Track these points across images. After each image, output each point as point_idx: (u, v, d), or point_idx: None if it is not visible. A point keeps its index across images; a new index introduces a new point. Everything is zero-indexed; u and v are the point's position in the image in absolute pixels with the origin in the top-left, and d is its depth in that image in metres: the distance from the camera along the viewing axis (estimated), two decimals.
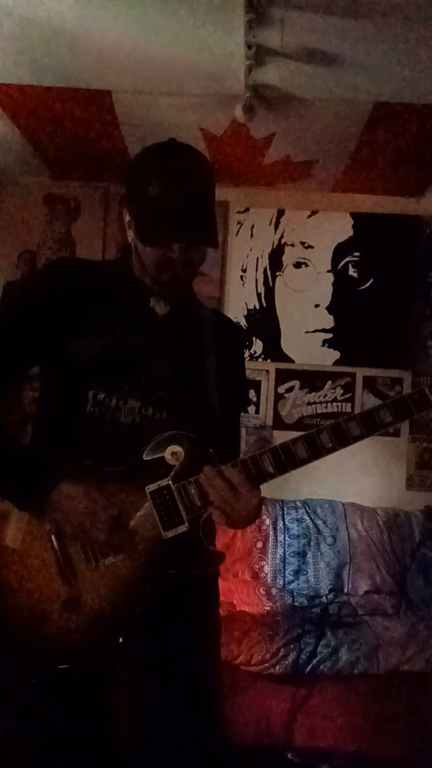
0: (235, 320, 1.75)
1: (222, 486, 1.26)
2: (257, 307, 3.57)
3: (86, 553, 1.29)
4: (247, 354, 3.50)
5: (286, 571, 3.11)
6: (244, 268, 3.57)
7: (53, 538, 1.29)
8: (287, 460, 1.29)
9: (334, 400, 3.54)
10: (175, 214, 1.28)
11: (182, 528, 1.29)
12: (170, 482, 1.29)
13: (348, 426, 1.30)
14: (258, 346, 3.55)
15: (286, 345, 3.55)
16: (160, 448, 1.31)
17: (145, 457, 1.31)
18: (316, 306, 3.56)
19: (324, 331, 3.55)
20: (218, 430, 1.40)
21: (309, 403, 3.55)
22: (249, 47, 2.12)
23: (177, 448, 1.30)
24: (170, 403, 1.37)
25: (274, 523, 3.19)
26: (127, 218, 1.39)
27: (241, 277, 3.57)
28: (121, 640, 1.28)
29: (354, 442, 1.31)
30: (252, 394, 3.54)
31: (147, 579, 1.29)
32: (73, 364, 1.34)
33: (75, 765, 1.38)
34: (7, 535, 1.31)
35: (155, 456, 1.31)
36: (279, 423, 3.53)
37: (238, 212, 3.54)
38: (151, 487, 1.29)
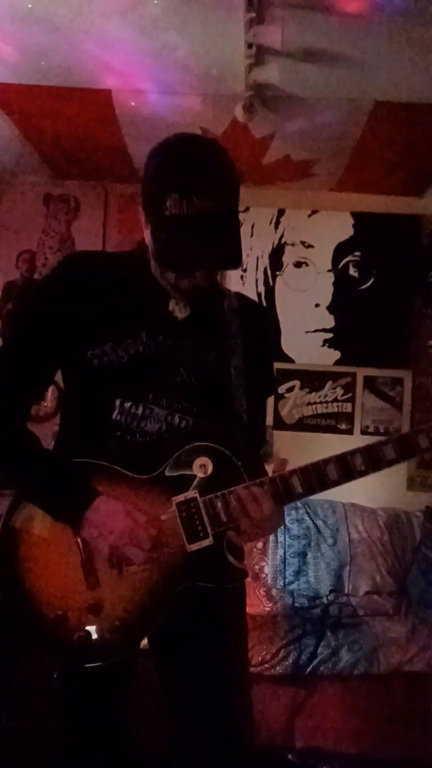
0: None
1: (252, 507, 1.24)
2: None
3: (111, 561, 1.28)
4: None
5: (287, 572, 3.11)
6: (244, 267, 3.56)
7: (79, 542, 1.27)
8: (317, 481, 1.27)
9: (335, 400, 3.54)
10: (195, 238, 1.20)
11: (206, 542, 1.26)
12: (197, 494, 1.27)
13: (383, 449, 1.28)
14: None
15: (287, 345, 3.54)
16: (188, 459, 1.29)
17: (173, 467, 1.29)
18: (317, 306, 3.55)
19: (324, 330, 3.54)
20: (244, 429, 1.38)
21: (309, 403, 3.54)
22: (249, 47, 2.12)
23: (205, 460, 1.28)
24: (195, 410, 1.34)
25: None
26: (143, 218, 1.30)
27: (242, 276, 3.56)
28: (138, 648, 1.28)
29: (388, 467, 1.29)
30: None
31: (169, 590, 1.28)
32: (95, 372, 1.31)
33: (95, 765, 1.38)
34: (35, 526, 1.31)
35: (183, 466, 1.29)
36: (279, 423, 3.52)
37: (239, 211, 3.53)
38: (178, 498, 1.27)
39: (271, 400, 3.52)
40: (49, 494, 1.30)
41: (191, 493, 1.27)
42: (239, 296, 1.50)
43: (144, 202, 1.29)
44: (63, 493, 1.29)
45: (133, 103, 2.65)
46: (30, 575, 1.29)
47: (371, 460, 1.28)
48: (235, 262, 1.26)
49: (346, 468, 1.27)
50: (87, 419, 1.35)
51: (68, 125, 2.88)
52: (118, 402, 1.30)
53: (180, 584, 1.28)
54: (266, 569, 3.11)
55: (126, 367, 1.30)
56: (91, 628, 1.27)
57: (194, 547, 1.26)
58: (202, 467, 1.28)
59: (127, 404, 1.30)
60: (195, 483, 1.28)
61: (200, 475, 1.28)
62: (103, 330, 1.31)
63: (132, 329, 1.32)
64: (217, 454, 1.29)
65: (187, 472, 1.29)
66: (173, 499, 1.27)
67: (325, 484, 1.27)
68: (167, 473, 1.29)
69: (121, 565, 1.27)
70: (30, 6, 2.03)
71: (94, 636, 1.26)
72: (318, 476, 1.27)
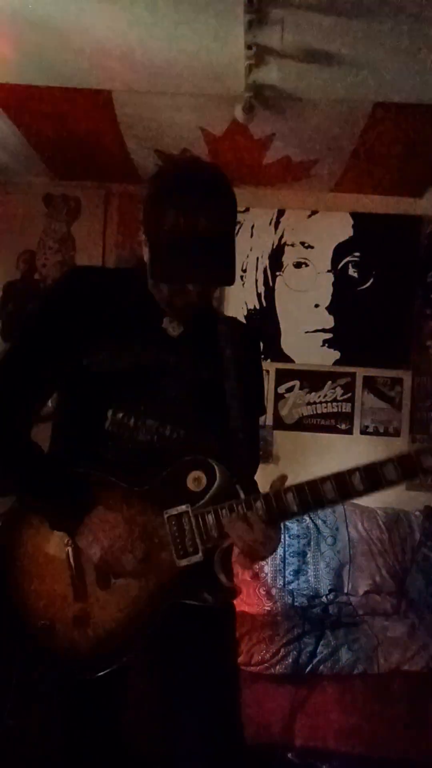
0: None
1: (241, 526, 1.23)
2: (257, 307, 3.57)
3: (99, 572, 1.27)
4: None
5: (286, 571, 3.11)
6: (244, 268, 3.57)
7: (69, 552, 1.27)
8: (313, 500, 1.24)
9: (334, 400, 3.54)
10: (191, 253, 1.23)
11: (196, 558, 1.26)
12: (189, 509, 1.26)
13: (383, 470, 1.25)
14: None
15: (286, 345, 3.55)
16: (183, 472, 1.29)
17: (166, 480, 1.29)
18: (316, 306, 3.56)
19: (324, 331, 3.55)
20: (238, 446, 1.38)
21: (309, 403, 3.54)
22: (249, 47, 2.12)
23: (199, 474, 1.28)
24: (187, 422, 1.35)
25: None
26: (143, 237, 1.34)
27: (241, 277, 3.57)
28: (125, 659, 1.27)
29: (388, 487, 1.26)
30: None
31: (156, 604, 1.27)
32: (90, 381, 1.33)
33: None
34: (25, 536, 1.31)
35: (177, 479, 1.29)
36: (279, 423, 3.53)
37: (238, 212, 3.50)
38: (170, 511, 1.27)
39: (271, 400, 3.53)
40: (49, 500, 1.30)
41: (183, 507, 1.26)
42: (232, 319, 1.55)
43: (144, 220, 1.33)
44: (61, 499, 1.28)
45: (133, 104, 2.66)
46: (18, 584, 1.29)
47: (370, 480, 1.25)
48: (228, 279, 1.27)
49: (343, 487, 1.25)
50: (80, 428, 1.36)
51: (69, 125, 2.89)
52: (110, 413, 1.32)
53: (167, 601, 1.27)
54: (266, 569, 3.11)
55: (120, 377, 1.32)
56: (77, 640, 1.26)
57: (184, 563, 1.25)
58: (195, 481, 1.28)
59: (120, 415, 1.32)
60: (187, 496, 1.27)
61: (194, 489, 1.27)
62: (100, 340, 1.34)
63: (127, 342, 1.35)
64: (212, 469, 1.28)
65: (181, 485, 1.28)
66: (165, 512, 1.26)
67: (322, 504, 1.25)
68: (161, 485, 1.29)
69: (110, 576, 1.26)
70: (31, 6, 2.03)
71: (80, 647, 1.26)
72: (314, 495, 1.24)
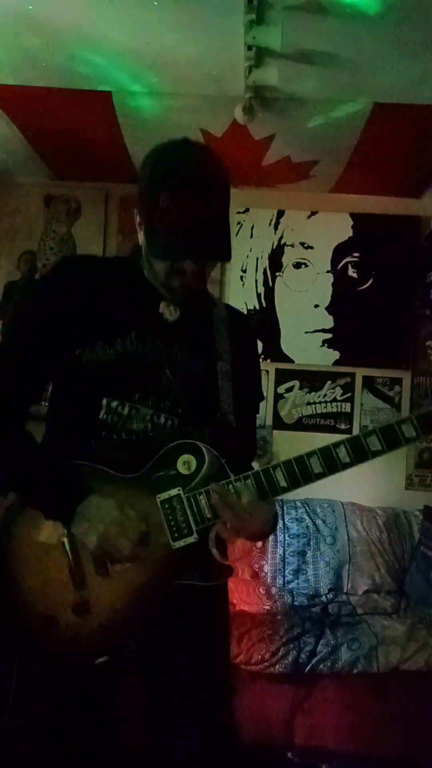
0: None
1: (233, 501, 1.25)
2: (257, 307, 3.58)
3: (96, 560, 1.28)
4: None
5: (286, 571, 3.12)
6: (243, 268, 3.57)
7: (65, 542, 1.28)
8: (301, 474, 1.26)
9: (334, 400, 3.55)
10: (187, 230, 1.24)
11: (191, 539, 1.28)
12: (181, 492, 1.28)
13: (367, 441, 1.26)
14: (258, 346, 3.55)
15: (286, 345, 3.55)
16: (172, 457, 1.30)
17: (157, 465, 1.30)
18: (316, 306, 3.56)
19: (324, 331, 3.56)
20: (232, 433, 1.39)
21: (309, 403, 3.55)
22: (249, 48, 2.13)
23: (189, 458, 1.30)
24: (181, 411, 1.35)
25: None
26: (138, 220, 1.35)
27: (241, 277, 3.57)
28: (133, 646, 1.28)
29: (373, 458, 1.27)
30: None
31: (155, 587, 1.29)
32: (84, 370, 1.33)
33: (82, 765, 1.38)
34: (21, 527, 1.32)
35: (167, 464, 1.30)
36: (279, 423, 3.53)
37: (238, 213, 3.55)
38: (162, 496, 1.29)
39: (270, 401, 3.54)
40: (42, 491, 1.30)
41: (175, 491, 1.28)
42: (227, 306, 1.56)
43: (139, 202, 1.33)
44: (56, 489, 1.29)
45: (133, 105, 2.67)
46: (16, 576, 1.30)
47: (356, 452, 1.26)
48: (225, 254, 1.30)
49: (330, 460, 1.26)
50: (74, 418, 1.37)
51: (69, 127, 2.89)
52: (105, 401, 1.32)
53: (166, 582, 1.29)
54: (266, 568, 3.12)
55: (114, 365, 1.32)
56: (80, 627, 1.26)
57: (179, 544, 1.28)
58: (185, 464, 1.30)
59: (114, 403, 1.32)
60: (179, 480, 1.29)
61: (184, 472, 1.29)
62: (93, 329, 1.34)
63: (122, 329, 1.35)
64: (201, 452, 1.30)
65: (172, 470, 1.30)
66: (157, 496, 1.28)
67: (310, 477, 1.27)
68: (152, 472, 1.31)
69: (107, 563, 1.27)
70: (30, 8, 2.04)
71: (83, 635, 1.27)
72: (302, 469, 1.27)
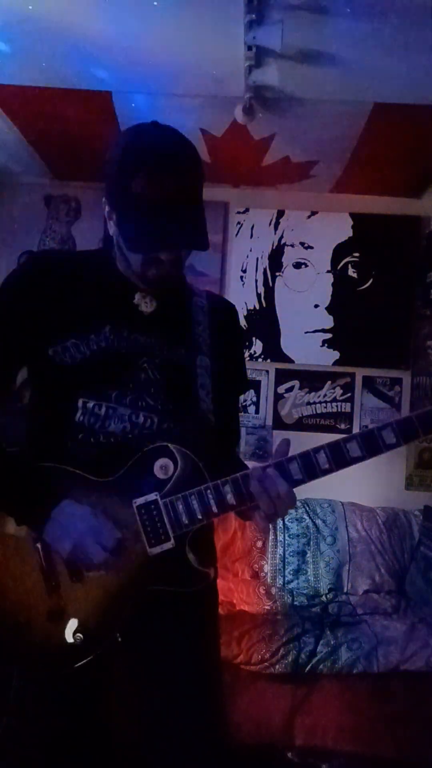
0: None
1: (271, 487, 1.22)
2: (257, 307, 3.58)
3: (70, 565, 1.26)
4: (246, 354, 3.50)
5: (286, 571, 3.12)
6: (243, 268, 3.58)
7: (39, 547, 1.26)
8: (312, 468, 1.24)
9: (334, 400, 3.55)
10: (163, 218, 1.19)
11: (168, 545, 1.25)
12: (158, 497, 1.25)
13: (381, 434, 1.24)
14: (258, 346, 3.56)
15: (286, 345, 3.56)
16: (149, 460, 1.27)
17: (133, 469, 1.27)
18: (316, 306, 3.56)
19: (324, 331, 3.56)
20: (211, 431, 1.36)
21: (309, 403, 3.55)
22: (249, 48, 2.13)
23: (165, 462, 1.26)
24: (160, 408, 1.31)
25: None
26: (107, 209, 1.29)
27: (241, 277, 3.57)
28: (119, 639, 1.27)
29: (387, 450, 1.25)
30: (252, 394, 3.55)
31: (130, 593, 1.26)
32: (58, 370, 1.28)
33: (75, 766, 1.38)
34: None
35: (144, 468, 1.27)
36: (279, 423, 3.54)
37: (238, 213, 3.55)
38: (138, 501, 1.25)
39: (270, 401, 3.54)
40: (14, 496, 1.27)
41: (151, 496, 1.25)
42: (208, 294, 1.50)
43: (108, 190, 1.28)
44: (28, 494, 1.26)
45: (133, 105, 2.67)
46: None
47: (369, 446, 1.25)
48: (202, 242, 1.24)
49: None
50: (50, 421, 1.33)
51: (69, 127, 2.89)
52: (80, 402, 1.28)
53: (142, 588, 1.26)
54: (265, 568, 3.12)
55: (89, 363, 1.28)
56: (52, 633, 1.25)
57: (156, 550, 1.25)
58: (162, 469, 1.26)
59: (90, 404, 1.28)
60: (155, 485, 1.26)
61: (161, 476, 1.26)
62: (65, 326, 1.29)
63: (95, 324, 1.30)
64: (178, 456, 1.27)
65: (148, 474, 1.27)
66: (134, 501, 1.25)
67: (293, 482, 1.24)
68: (128, 475, 1.27)
69: (82, 569, 1.25)
70: (30, 8, 2.04)
71: (57, 642, 1.25)
72: (283, 474, 1.24)
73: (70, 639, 1.24)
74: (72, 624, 1.25)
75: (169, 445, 1.27)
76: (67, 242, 3.59)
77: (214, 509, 1.25)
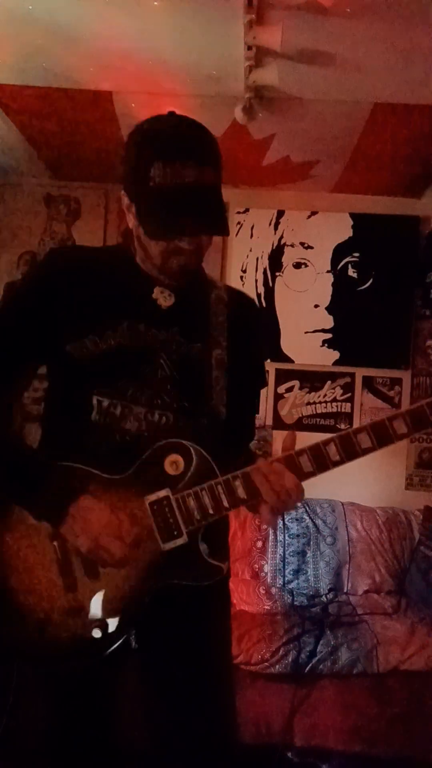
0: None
1: (276, 481, 1.24)
2: None
3: (86, 562, 1.27)
4: None
5: (286, 571, 3.12)
6: (243, 268, 3.58)
7: (56, 545, 1.27)
8: (323, 461, 1.26)
9: (334, 400, 3.55)
10: (183, 204, 1.19)
11: (181, 540, 1.25)
12: (169, 493, 1.26)
13: (392, 424, 1.26)
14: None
15: (286, 345, 3.56)
16: (160, 457, 1.27)
17: (144, 465, 1.27)
18: (316, 306, 3.56)
19: (323, 331, 3.56)
20: (223, 428, 1.36)
21: (308, 403, 3.55)
22: (249, 48, 2.13)
23: (176, 458, 1.27)
24: (175, 406, 1.31)
25: None
26: (126, 202, 1.29)
27: (241, 277, 3.57)
28: (134, 645, 1.28)
29: (397, 441, 1.27)
30: None
31: (145, 588, 1.27)
32: (75, 367, 1.29)
33: (83, 765, 1.38)
34: (11, 530, 1.30)
35: (155, 464, 1.27)
36: (279, 423, 3.54)
37: (238, 213, 3.54)
38: (151, 497, 1.26)
39: (270, 401, 3.54)
40: (31, 492, 1.27)
41: (163, 492, 1.26)
42: (228, 288, 1.49)
43: (127, 181, 1.28)
44: (45, 490, 1.26)
45: (133, 105, 2.66)
46: (6, 580, 1.28)
47: (379, 436, 1.26)
48: (222, 228, 1.25)
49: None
50: (67, 419, 1.33)
51: (69, 126, 2.89)
52: (95, 401, 1.28)
53: (157, 583, 1.27)
54: (266, 568, 3.12)
55: (105, 360, 1.28)
56: (71, 630, 1.26)
57: (169, 546, 1.25)
58: (173, 465, 1.27)
59: (105, 402, 1.28)
60: (167, 481, 1.26)
61: (172, 472, 1.27)
62: (84, 323, 1.29)
63: (113, 320, 1.30)
64: (189, 451, 1.27)
65: (159, 470, 1.27)
66: (146, 498, 1.26)
67: (303, 476, 1.27)
68: (139, 472, 1.27)
69: (98, 565, 1.26)
70: (30, 7, 2.04)
71: (74, 638, 1.26)
72: (292, 467, 1.26)
73: (90, 634, 1.25)
74: (89, 620, 1.26)
75: (180, 441, 1.28)
76: (67, 242, 3.59)
77: (226, 504, 1.26)
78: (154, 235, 1.25)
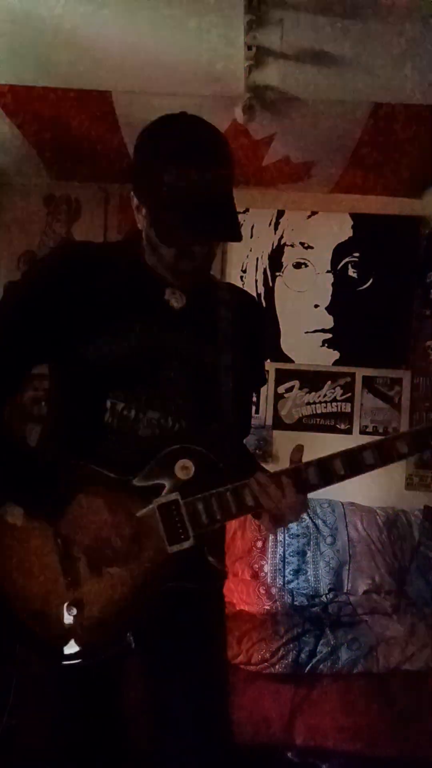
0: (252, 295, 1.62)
1: (276, 493, 1.25)
2: None
3: (89, 559, 1.26)
4: None
5: (286, 571, 3.12)
6: (243, 268, 3.57)
7: (58, 542, 1.26)
8: (299, 484, 1.27)
9: (334, 400, 3.55)
10: (196, 210, 1.17)
11: (187, 544, 1.25)
12: (178, 497, 1.26)
13: (395, 444, 1.28)
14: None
15: (286, 345, 3.55)
16: (171, 461, 1.27)
17: (155, 468, 1.27)
18: (316, 306, 3.56)
19: (324, 331, 3.55)
20: (232, 433, 1.37)
21: (308, 403, 3.55)
22: (249, 48, 2.13)
23: (187, 462, 1.27)
24: (188, 411, 1.31)
25: None
26: (136, 203, 1.27)
27: (241, 277, 3.57)
28: (133, 645, 1.27)
29: (398, 460, 1.30)
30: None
31: (149, 590, 1.27)
32: (88, 368, 1.27)
33: (83, 764, 1.38)
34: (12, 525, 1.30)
35: (165, 468, 1.27)
36: (279, 423, 3.53)
37: (238, 212, 3.53)
38: (160, 500, 1.26)
39: (270, 401, 3.54)
40: (25, 487, 1.27)
41: (173, 496, 1.26)
42: (230, 287, 1.49)
43: (138, 183, 1.26)
44: (41, 487, 1.25)
45: (133, 104, 2.66)
46: (8, 574, 1.28)
47: (383, 455, 1.28)
48: (235, 234, 1.24)
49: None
50: (77, 420, 1.32)
51: (69, 126, 2.89)
52: (109, 404, 1.28)
53: (161, 585, 1.27)
54: (266, 568, 3.12)
55: (119, 364, 1.27)
56: (71, 627, 1.25)
57: (175, 548, 1.26)
58: (184, 469, 1.27)
59: (119, 406, 1.28)
60: (176, 485, 1.27)
61: (182, 477, 1.27)
62: (96, 323, 1.27)
63: (125, 323, 1.28)
64: (199, 456, 1.27)
65: (170, 474, 1.27)
66: (155, 501, 1.26)
67: (305, 488, 1.28)
68: (150, 475, 1.27)
69: (101, 564, 1.26)
70: (30, 7, 2.04)
71: (74, 635, 1.25)
72: (299, 480, 1.27)
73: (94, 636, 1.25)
74: (90, 618, 1.26)
75: (192, 446, 1.28)
76: None
77: (233, 510, 1.27)
78: (167, 240, 1.24)
